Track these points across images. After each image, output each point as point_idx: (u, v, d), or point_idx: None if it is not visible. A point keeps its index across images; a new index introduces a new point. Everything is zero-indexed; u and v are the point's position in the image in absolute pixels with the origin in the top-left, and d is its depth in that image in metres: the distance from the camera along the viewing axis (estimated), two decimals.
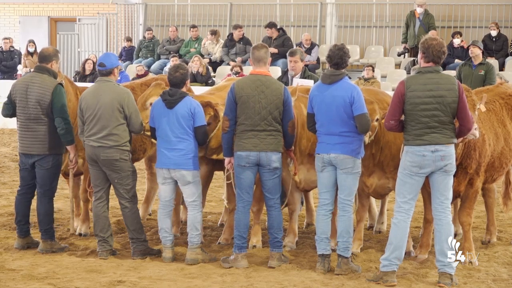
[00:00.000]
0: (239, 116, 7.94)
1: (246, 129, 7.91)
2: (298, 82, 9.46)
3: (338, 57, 7.77)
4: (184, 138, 8.08)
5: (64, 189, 11.33)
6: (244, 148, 7.91)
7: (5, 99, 8.69)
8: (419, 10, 20.08)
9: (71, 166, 8.78)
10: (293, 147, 8.20)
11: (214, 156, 8.68)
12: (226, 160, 8.16)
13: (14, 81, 9.68)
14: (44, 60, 8.52)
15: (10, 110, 8.60)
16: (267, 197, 8.09)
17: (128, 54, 22.95)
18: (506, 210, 9.40)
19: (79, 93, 9.09)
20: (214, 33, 21.47)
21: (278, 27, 20.85)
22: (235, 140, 7.99)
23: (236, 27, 21.13)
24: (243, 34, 21.18)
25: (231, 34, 21.24)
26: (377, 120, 7.97)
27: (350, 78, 8.14)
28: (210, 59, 21.37)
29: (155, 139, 8.28)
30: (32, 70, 8.71)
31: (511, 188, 9.30)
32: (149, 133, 8.45)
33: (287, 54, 9.96)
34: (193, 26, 21.97)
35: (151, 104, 8.43)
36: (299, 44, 20.65)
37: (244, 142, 7.91)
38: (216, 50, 21.47)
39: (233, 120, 7.96)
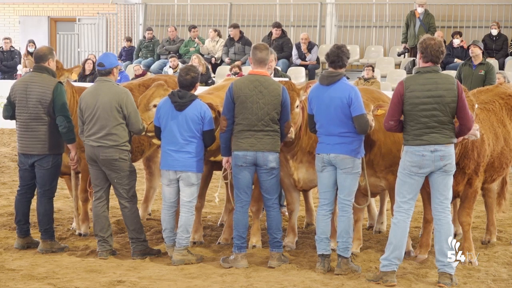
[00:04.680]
0: (236, 116, 7.94)
1: (243, 129, 7.91)
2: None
3: (335, 55, 7.76)
4: (192, 141, 8.08)
5: (64, 189, 11.32)
6: (241, 148, 7.92)
7: (5, 101, 8.70)
8: (419, 10, 20.08)
9: (72, 165, 8.79)
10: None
11: (212, 158, 8.70)
12: (224, 159, 8.16)
13: (14, 81, 9.68)
14: (41, 60, 8.53)
15: (10, 111, 8.60)
16: (265, 197, 8.09)
17: (128, 54, 22.97)
18: (499, 210, 9.38)
19: (75, 92, 9.11)
20: (216, 31, 21.53)
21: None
22: (232, 140, 8.00)
23: (234, 26, 21.15)
24: (240, 32, 21.19)
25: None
26: (372, 110, 7.97)
27: (348, 78, 8.11)
28: (214, 59, 21.36)
29: (160, 139, 8.27)
30: (31, 70, 8.71)
31: (506, 189, 9.30)
32: (151, 134, 8.44)
33: None
34: (193, 27, 21.99)
35: (154, 106, 8.40)
36: (298, 44, 20.69)
37: (241, 142, 7.92)
38: (217, 49, 21.48)
39: (231, 120, 7.97)
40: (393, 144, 8.11)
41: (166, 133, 8.14)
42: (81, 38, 24.79)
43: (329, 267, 7.83)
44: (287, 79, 9.44)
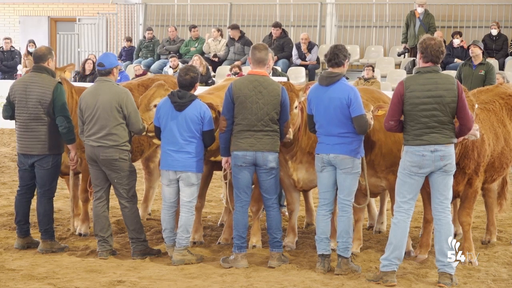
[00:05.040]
0: (236, 116, 7.94)
1: (243, 129, 7.91)
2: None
3: (331, 53, 7.74)
4: (192, 141, 8.08)
5: (64, 189, 11.33)
6: (240, 148, 7.92)
7: (5, 101, 8.69)
8: (419, 10, 20.08)
9: (72, 165, 8.79)
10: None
11: (212, 158, 8.70)
12: (224, 159, 8.16)
13: (14, 81, 9.66)
14: (40, 60, 8.52)
15: (10, 111, 8.59)
16: (264, 197, 8.09)
17: (128, 54, 22.97)
18: (500, 211, 9.38)
19: (74, 92, 9.10)
20: (218, 31, 21.58)
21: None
22: (232, 140, 8.00)
23: (233, 27, 21.18)
24: (241, 32, 21.21)
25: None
26: (372, 111, 7.97)
27: (348, 78, 8.10)
28: (217, 57, 21.39)
29: (160, 139, 8.27)
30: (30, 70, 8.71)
31: (507, 189, 9.29)
32: (151, 134, 8.44)
33: None
34: (193, 26, 22.01)
35: (155, 106, 8.40)
36: (298, 44, 20.71)
37: (240, 142, 7.92)
38: (220, 49, 21.50)
39: (231, 120, 7.96)
40: (394, 144, 8.11)
41: (166, 133, 8.14)
42: (81, 38, 24.80)
43: (329, 267, 7.83)
44: (285, 78, 9.44)
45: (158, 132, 8.24)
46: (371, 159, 8.22)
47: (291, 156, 8.40)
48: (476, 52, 13.64)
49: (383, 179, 8.33)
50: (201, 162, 8.18)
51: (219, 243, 8.96)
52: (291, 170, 8.47)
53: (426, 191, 7.93)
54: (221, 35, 21.82)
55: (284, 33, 20.88)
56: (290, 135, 7.99)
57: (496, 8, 21.33)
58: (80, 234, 9.31)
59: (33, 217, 8.87)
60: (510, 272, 7.90)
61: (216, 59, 21.36)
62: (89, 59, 20.93)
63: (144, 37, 22.86)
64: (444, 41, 18.78)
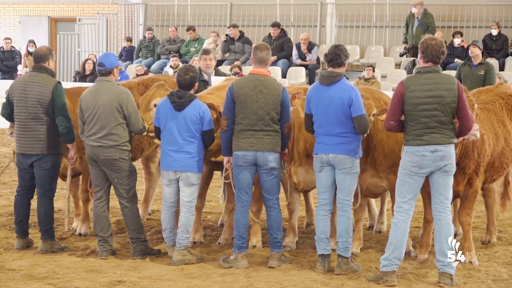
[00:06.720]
0: (236, 116, 7.95)
1: (243, 129, 7.92)
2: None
3: (333, 54, 7.76)
4: (192, 141, 8.08)
5: (64, 189, 11.31)
6: (241, 148, 7.92)
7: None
8: (413, 10, 20.06)
9: (71, 163, 8.78)
10: (286, 150, 8.17)
11: (213, 159, 8.70)
12: (225, 159, 8.16)
13: (13, 80, 9.67)
14: (41, 60, 8.53)
15: (8, 109, 8.59)
16: (265, 197, 8.09)
17: (128, 54, 22.96)
18: (503, 211, 9.38)
19: (68, 99, 9.08)
20: (217, 35, 21.58)
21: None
22: (233, 140, 8.00)
23: (232, 26, 21.17)
24: (240, 31, 21.19)
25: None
26: (373, 115, 7.97)
27: (348, 78, 8.12)
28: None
29: (160, 139, 8.27)
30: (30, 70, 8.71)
31: (510, 189, 9.29)
32: (152, 134, 8.44)
33: (201, 53, 10.32)
34: (190, 28, 21.96)
35: (155, 105, 8.41)
36: (298, 44, 20.71)
37: (241, 142, 7.92)
38: (218, 50, 21.49)
39: (232, 119, 7.97)
40: (396, 144, 8.10)
41: (165, 133, 8.14)
42: (81, 38, 24.78)
43: (329, 267, 7.83)
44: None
45: (158, 132, 8.24)
46: (373, 159, 8.22)
47: (289, 161, 8.40)
48: (476, 52, 13.63)
49: (384, 179, 8.33)
50: (201, 162, 8.18)
51: (219, 243, 8.96)
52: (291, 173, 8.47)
53: (426, 191, 7.93)
54: (218, 35, 21.78)
55: (283, 33, 20.87)
56: None
57: (496, 8, 21.32)
58: (80, 234, 9.31)
59: (33, 217, 8.87)
60: (510, 272, 7.91)
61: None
62: (89, 59, 20.91)
63: (144, 37, 22.85)
64: (445, 42, 18.77)
